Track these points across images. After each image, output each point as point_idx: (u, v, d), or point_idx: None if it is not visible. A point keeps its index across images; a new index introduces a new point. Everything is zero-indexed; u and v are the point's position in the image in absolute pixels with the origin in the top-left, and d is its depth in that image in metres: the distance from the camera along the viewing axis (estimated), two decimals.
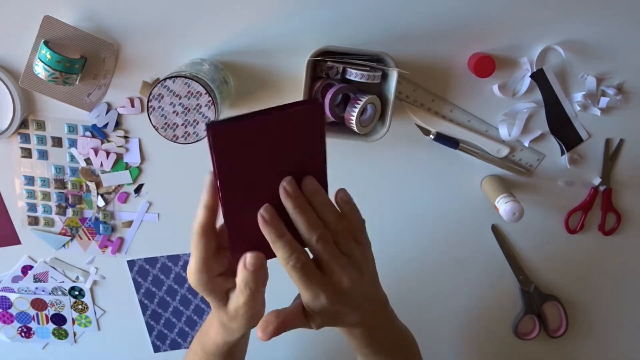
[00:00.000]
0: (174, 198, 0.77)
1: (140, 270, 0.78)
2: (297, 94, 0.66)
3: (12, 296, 0.81)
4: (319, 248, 0.46)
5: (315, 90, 0.68)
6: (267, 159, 0.45)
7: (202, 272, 0.47)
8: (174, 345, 0.83)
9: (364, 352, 0.56)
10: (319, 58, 0.65)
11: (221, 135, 0.44)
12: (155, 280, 0.79)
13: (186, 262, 0.79)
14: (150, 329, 0.82)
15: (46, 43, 0.66)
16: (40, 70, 0.65)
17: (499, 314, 0.84)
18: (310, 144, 0.46)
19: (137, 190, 0.76)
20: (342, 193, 0.50)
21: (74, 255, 0.80)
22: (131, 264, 0.79)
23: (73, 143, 0.74)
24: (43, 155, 0.75)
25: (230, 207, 0.45)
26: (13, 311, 0.82)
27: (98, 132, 0.73)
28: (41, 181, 0.76)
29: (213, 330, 0.54)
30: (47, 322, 0.83)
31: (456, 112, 0.74)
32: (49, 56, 0.64)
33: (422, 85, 0.72)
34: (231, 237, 0.46)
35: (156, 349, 0.84)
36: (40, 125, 0.73)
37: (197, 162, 0.75)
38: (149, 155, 0.75)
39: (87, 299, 0.82)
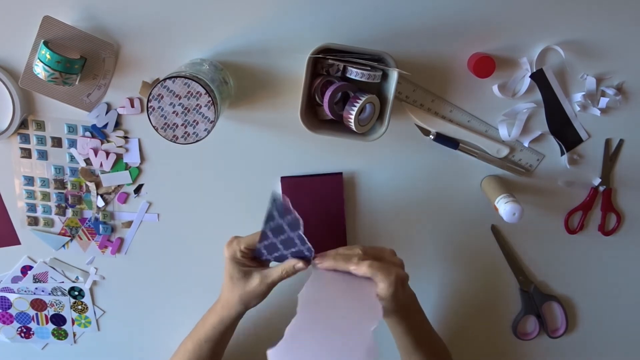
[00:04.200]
0: (174, 198, 0.77)
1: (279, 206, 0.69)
2: (297, 94, 0.66)
3: (11, 296, 0.81)
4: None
5: (315, 87, 0.68)
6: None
7: (247, 248, 0.67)
8: None
9: (405, 342, 0.69)
10: (319, 55, 0.65)
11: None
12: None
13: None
14: None
15: (46, 43, 0.66)
16: (40, 70, 0.65)
17: (499, 314, 0.84)
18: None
19: (137, 190, 0.76)
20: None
21: (74, 255, 0.80)
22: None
23: (73, 143, 0.74)
24: (43, 155, 0.75)
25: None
26: (13, 311, 0.82)
27: (98, 133, 0.73)
28: (41, 181, 0.76)
29: (211, 317, 0.71)
30: (47, 323, 0.83)
31: (456, 112, 0.74)
32: (48, 56, 0.64)
33: (421, 86, 0.72)
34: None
35: None
36: (40, 125, 0.73)
37: (197, 162, 0.75)
38: (148, 156, 0.75)
39: (86, 299, 0.81)
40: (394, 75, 0.66)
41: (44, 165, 0.75)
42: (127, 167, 0.75)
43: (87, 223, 0.78)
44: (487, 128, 0.74)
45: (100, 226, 0.78)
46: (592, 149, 0.76)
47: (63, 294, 0.81)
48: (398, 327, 0.69)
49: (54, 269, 0.80)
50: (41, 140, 0.74)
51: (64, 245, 0.79)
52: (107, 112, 0.72)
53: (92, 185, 0.76)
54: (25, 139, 0.74)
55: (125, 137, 0.74)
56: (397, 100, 0.72)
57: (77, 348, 0.85)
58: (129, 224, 0.78)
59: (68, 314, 0.82)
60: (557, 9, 0.69)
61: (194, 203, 0.77)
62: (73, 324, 0.83)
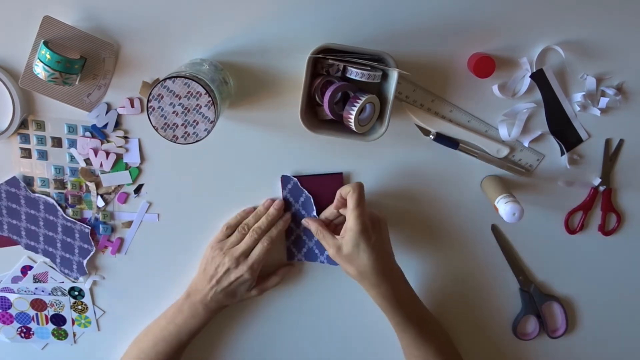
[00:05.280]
0: (174, 198, 0.77)
1: (294, 188, 0.76)
2: (297, 94, 0.66)
3: (11, 296, 0.81)
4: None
5: (315, 87, 0.68)
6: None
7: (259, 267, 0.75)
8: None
9: (397, 321, 0.72)
10: (319, 55, 0.65)
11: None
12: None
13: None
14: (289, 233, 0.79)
15: (46, 43, 0.66)
16: (40, 70, 0.65)
17: (499, 314, 0.84)
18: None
19: (137, 190, 0.76)
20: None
21: None
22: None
23: (73, 143, 0.74)
24: (43, 155, 0.75)
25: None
26: (13, 311, 0.82)
27: (98, 133, 0.73)
28: (41, 181, 0.76)
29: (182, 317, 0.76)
30: (47, 323, 0.83)
31: (456, 112, 0.74)
32: (48, 56, 0.64)
33: (421, 86, 0.72)
34: None
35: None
36: (40, 125, 0.73)
37: (197, 162, 0.75)
38: (148, 156, 0.75)
39: (86, 300, 0.81)
40: (394, 75, 0.66)
41: (44, 165, 0.75)
42: (127, 167, 0.75)
43: (87, 223, 0.78)
44: (487, 128, 0.74)
45: (100, 226, 0.78)
46: (592, 149, 0.76)
47: (63, 294, 0.81)
48: (381, 299, 0.71)
49: (54, 269, 0.80)
50: (41, 140, 0.74)
51: None
52: (107, 112, 0.72)
53: (92, 185, 0.76)
54: (25, 139, 0.74)
55: (125, 137, 0.74)
56: (397, 100, 0.72)
57: (77, 348, 0.85)
58: (129, 224, 0.78)
59: (68, 314, 0.82)
60: (557, 9, 0.69)
61: (194, 203, 0.77)
62: (73, 324, 0.83)
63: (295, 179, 0.75)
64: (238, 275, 0.73)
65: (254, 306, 0.82)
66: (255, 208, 0.77)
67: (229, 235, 0.76)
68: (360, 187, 0.69)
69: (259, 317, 0.83)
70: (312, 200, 0.76)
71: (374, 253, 0.68)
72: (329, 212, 0.75)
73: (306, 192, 0.76)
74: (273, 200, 0.76)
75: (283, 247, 0.79)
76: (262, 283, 0.78)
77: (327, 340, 0.85)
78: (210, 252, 0.75)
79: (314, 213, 0.76)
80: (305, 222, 0.75)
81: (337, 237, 0.71)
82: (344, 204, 0.72)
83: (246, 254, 0.74)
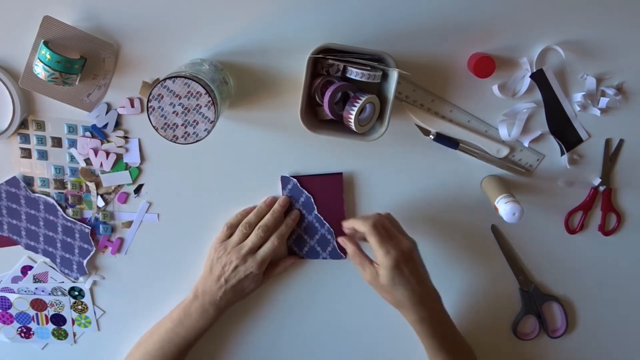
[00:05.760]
0: (174, 198, 0.77)
1: (294, 189, 0.77)
2: (297, 94, 0.66)
3: (11, 296, 0.81)
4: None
5: (315, 87, 0.68)
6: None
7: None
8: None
9: (430, 344, 0.71)
10: (319, 55, 0.65)
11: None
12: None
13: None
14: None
15: (46, 43, 0.66)
16: (40, 70, 0.65)
17: (499, 314, 0.84)
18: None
19: (137, 190, 0.76)
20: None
21: None
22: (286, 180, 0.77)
23: (73, 143, 0.74)
24: (43, 155, 0.75)
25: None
26: (13, 311, 0.82)
27: (98, 133, 0.73)
28: (41, 181, 0.76)
29: (192, 320, 0.76)
30: (47, 323, 0.83)
31: (456, 112, 0.74)
32: (48, 56, 0.64)
33: (421, 86, 0.72)
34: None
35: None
36: (40, 125, 0.73)
37: (197, 162, 0.75)
38: (148, 156, 0.75)
39: (86, 299, 0.81)
40: (394, 75, 0.66)
41: (44, 165, 0.75)
42: (127, 167, 0.75)
43: (87, 223, 0.78)
44: (487, 128, 0.74)
45: (100, 226, 0.78)
46: (592, 149, 0.76)
47: (63, 294, 0.81)
48: (418, 325, 0.70)
49: (54, 269, 0.80)
50: (41, 140, 0.74)
51: None
52: (107, 112, 0.72)
53: (92, 185, 0.76)
54: (25, 139, 0.74)
55: (125, 137, 0.74)
56: (397, 100, 0.72)
57: (77, 348, 0.85)
58: (129, 224, 0.78)
59: (68, 314, 0.82)
60: (557, 9, 0.69)
61: (194, 203, 0.77)
62: (73, 324, 0.83)
63: (295, 180, 0.75)
64: (247, 272, 0.73)
65: (259, 304, 0.82)
66: (253, 208, 0.77)
67: (230, 235, 0.76)
68: (375, 227, 0.68)
69: (265, 315, 0.83)
70: (312, 200, 0.76)
71: (409, 284, 0.68)
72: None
73: (306, 192, 0.76)
74: (275, 198, 0.76)
75: (284, 246, 0.80)
76: (267, 272, 0.77)
77: (332, 336, 0.84)
78: (214, 253, 0.75)
79: (316, 211, 0.77)
80: (342, 241, 0.73)
81: (375, 264, 0.69)
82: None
83: (253, 251, 0.74)
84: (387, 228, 0.69)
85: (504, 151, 0.75)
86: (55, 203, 0.76)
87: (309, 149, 0.75)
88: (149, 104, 0.61)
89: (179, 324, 0.76)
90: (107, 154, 0.74)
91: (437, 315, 0.72)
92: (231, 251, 0.74)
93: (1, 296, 0.81)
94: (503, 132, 0.74)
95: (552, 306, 0.84)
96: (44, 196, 0.76)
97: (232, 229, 0.76)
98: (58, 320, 0.83)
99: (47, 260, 0.79)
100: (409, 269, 0.68)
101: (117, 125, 0.73)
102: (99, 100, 0.72)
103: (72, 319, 0.83)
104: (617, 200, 0.79)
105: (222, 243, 0.75)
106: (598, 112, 0.73)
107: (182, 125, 0.62)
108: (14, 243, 0.78)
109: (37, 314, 0.82)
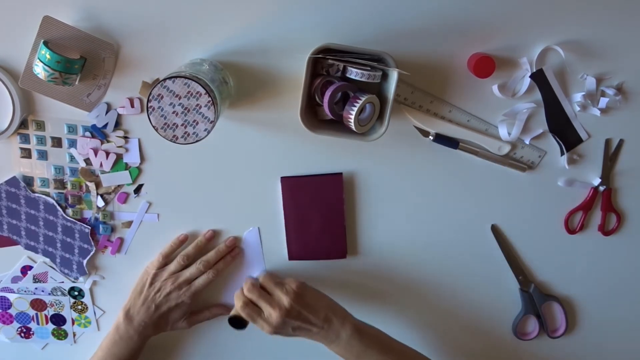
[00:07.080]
0: (174, 198, 0.77)
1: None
2: (297, 94, 0.66)
3: (11, 296, 0.81)
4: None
5: (315, 87, 0.68)
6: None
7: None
8: None
9: (374, 353, 0.72)
10: (319, 55, 0.65)
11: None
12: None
13: None
14: None
15: (46, 43, 0.66)
16: (39, 70, 0.65)
17: (499, 314, 0.84)
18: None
19: (137, 190, 0.76)
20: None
21: None
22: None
23: (73, 143, 0.74)
24: (43, 155, 0.75)
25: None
26: (12, 311, 0.82)
27: (98, 133, 0.73)
28: (41, 181, 0.76)
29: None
30: (47, 323, 0.83)
31: (455, 112, 0.74)
32: (48, 56, 0.64)
33: (420, 87, 0.72)
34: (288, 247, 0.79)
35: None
36: (40, 125, 0.73)
37: (197, 162, 0.75)
38: (148, 156, 0.75)
39: (86, 299, 0.81)
40: (393, 76, 0.66)
41: (44, 165, 0.75)
42: (127, 167, 0.75)
43: (87, 223, 0.78)
44: (487, 127, 0.74)
45: (100, 226, 0.78)
46: (592, 149, 0.76)
47: (63, 294, 0.81)
48: (354, 341, 0.72)
49: (53, 269, 0.80)
50: (41, 140, 0.74)
51: None
52: (107, 112, 0.72)
53: (92, 185, 0.76)
54: (25, 139, 0.74)
55: (125, 137, 0.74)
56: (395, 102, 0.72)
57: (77, 348, 0.85)
58: (129, 224, 0.78)
59: (68, 314, 0.82)
60: (557, 9, 0.69)
61: (194, 203, 0.77)
62: (73, 324, 0.83)
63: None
64: (179, 300, 0.75)
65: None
66: (187, 237, 0.78)
67: (165, 264, 0.77)
68: (245, 306, 0.72)
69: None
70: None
71: (305, 329, 0.71)
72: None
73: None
74: (214, 232, 0.78)
75: (223, 284, 0.80)
76: (194, 315, 0.79)
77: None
78: (149, 278, 0.76)
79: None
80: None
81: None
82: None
83: (189, 281, 0.76)
84: (257, 297, 0.72)
85: (506, 148, 0.75)
86: (55, 203, 0.76)
87: (309, 149, 0.75)
88: (149, 104, 0.61)
89: (108, 354, 0.76)
90: (107, 154, 0.74)
91: (360, 324, 0.73)
92: (168, 278, 0.75)
93: (1, 296, 0.81)
94: (503, 132, 0.74)
95: (552, 306, 0.84)
96: (43, 196, 0.76)
97: (166, 258, 0.77)
98: (58, 320, 0.83)
99: (47, 260, 0.79)
100: (298, 324, 0.71)
101: (117, 125, 0.73)
102: (99, 100, 0.72)
103: (72, 319, 0.83)
104: (617, 200, 0.79)
105: (159, 270, 0.76)
106: (598, 112, 0.73)
107: (182, 125, 0.62)
108: (13, 243, 0.78)
109: (37, 314, 0.82)
